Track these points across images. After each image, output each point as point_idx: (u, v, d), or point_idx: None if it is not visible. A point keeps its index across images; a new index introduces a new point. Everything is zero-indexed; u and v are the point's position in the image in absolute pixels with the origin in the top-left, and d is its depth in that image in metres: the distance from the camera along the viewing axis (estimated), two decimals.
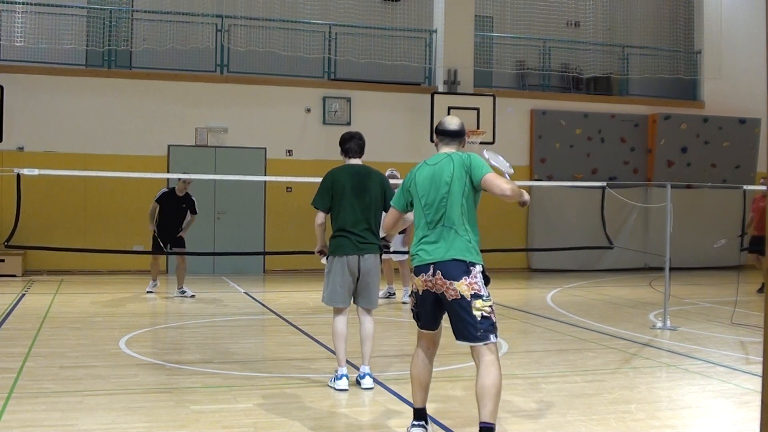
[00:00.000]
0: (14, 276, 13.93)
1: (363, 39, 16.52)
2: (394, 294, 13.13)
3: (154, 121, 15.40)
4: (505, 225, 16.70)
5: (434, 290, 4.44)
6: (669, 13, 18.58)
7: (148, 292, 12.09)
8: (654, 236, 16.26)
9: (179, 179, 11.84)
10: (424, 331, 4.67)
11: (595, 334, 8.94)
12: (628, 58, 18.27)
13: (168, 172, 15.14)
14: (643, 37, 18.12)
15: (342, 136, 6.42)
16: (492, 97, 16.38)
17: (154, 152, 15.26)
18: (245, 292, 12.67)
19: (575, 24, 17.91)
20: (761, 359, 3.01)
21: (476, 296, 4.37)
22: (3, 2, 14.77)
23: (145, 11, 15.66)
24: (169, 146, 15.46)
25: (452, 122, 4.78)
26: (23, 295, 11.68)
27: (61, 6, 15.02)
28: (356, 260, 6.01)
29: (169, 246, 11.81)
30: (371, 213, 6.11)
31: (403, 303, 11.35)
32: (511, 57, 17.74)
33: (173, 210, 11.78)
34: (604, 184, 11.21)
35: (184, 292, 11.85)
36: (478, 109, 16.17)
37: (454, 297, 4.36)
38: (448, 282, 4.37)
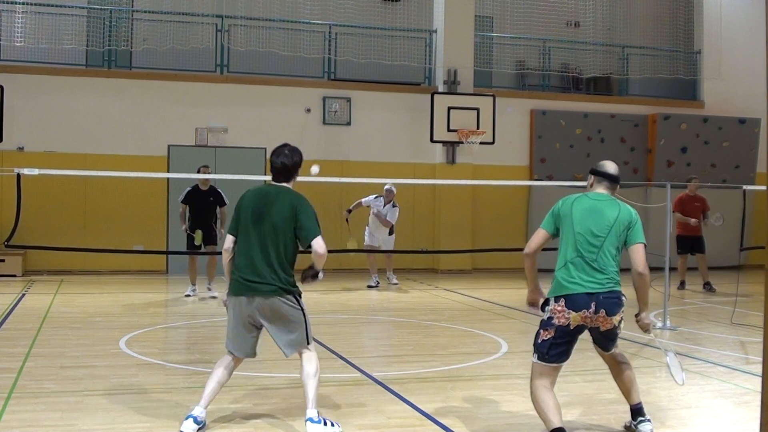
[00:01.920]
0: (14, 276, 13.92)
1: (363, 39, 16.52)
2: (378, 284, 13.29)
3: (154, 121, 15.39)
4: (505, 225, 16.70)
5: (588, 324, 4.65)
6: (669, 13, 18.57)
7: (186, 295, 11.77)
8: (654, 236, 16.19)
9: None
10: (555, 365, 4.70)
11: None
12: (627, 58, 18.27)
13: (168, 172, 15.15)
14: (643, 37, 18.12)
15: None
16: (492, 97, 16.38)
17: (154, 152, 15.26)
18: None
19: (575, 24, 17.91)
20: (761, 359, 3.01)
21: (620, 322, 4.77)
22: (3, 2, 14.77)
23: (145, 11, 15.66)
24: (169, 146, 15.45)
25: (611, 167, 4.98)
26: (23, 295, 11.68)
27: (61, 6, 15.02)
28: (246, 303, 4.92)
29: (202, 246, 11.61)
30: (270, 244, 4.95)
31: (394, 284, 13.30)
32: (511, 57, 17.74)
33: (202, 206, 11.68)
34: None
35: (209, 290, 11.73)
36: (478, 109, 16.18)
37: (608, 328, 4.71)
38: (609, 318, 4.63)
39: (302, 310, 4.97)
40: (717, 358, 7.54)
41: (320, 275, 5.03)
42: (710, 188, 14.13)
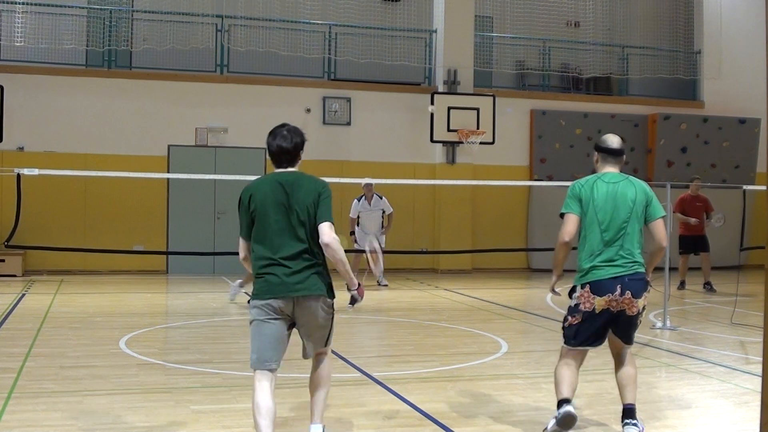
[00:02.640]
0: (14, 276, 13.92)
1: (363, 39, 16.52)
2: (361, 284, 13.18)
3: (154, 121, 15.39)
4: (505, 225, 16.71)
5: (614, 308, 4.69)
6: (669, 13, 18.57)
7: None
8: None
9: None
10: (581, 349, 4.84)
11: None
12: (627, 58, 18.27)
13: (168, 172, 15.16)
14: (643, 37, 18.11)
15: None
16: (492, 97, 16.38)
17: (154, 152, 15.26)
18: (245, 292, 12.65)
19: (575, 24, 17.91)
20: (761, 359, 3.01)
21: (644, 307, 4.80)
22: (3, 2, 14.77)
23: (145, 11, 15.66)
24: (169, 146, 15.45)
25: (614, 140, 4.94)
26: (23, 295, 11.68)
27: (61, 6, 15.02)
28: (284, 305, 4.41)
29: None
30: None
31: (384, 285, 13.10)
32: (511, 57, 17.74)
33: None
34: None
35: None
36: (478, 109, 16.18)
37: (634, 313, 4.72)
38: (634, 300, 4.66)
39: (333, 312, 4.51)
40: (717, 358, 7.54)
41: (354, 292, 4.54)
42: (710, 188, 14.13)
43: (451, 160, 16.57)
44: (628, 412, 4.77)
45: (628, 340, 4.87)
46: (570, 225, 4.84)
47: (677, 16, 18.56)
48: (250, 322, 4.55)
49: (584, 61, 17.86)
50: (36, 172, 8.71)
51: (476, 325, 9.55)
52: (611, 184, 4.81)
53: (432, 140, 16.13)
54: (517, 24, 17.17)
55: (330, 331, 4.55)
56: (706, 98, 18.55)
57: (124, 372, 6.60)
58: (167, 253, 15.37)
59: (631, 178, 4.90)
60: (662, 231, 4.79)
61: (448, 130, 16.08)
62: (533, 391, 6.17)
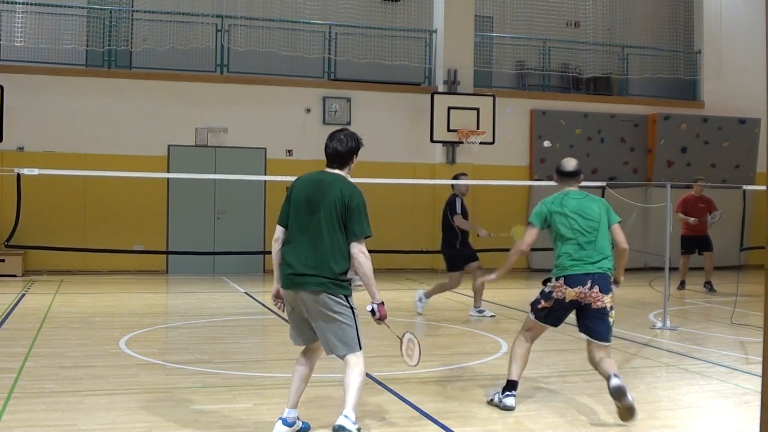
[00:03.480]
0: (14, 276, 13.92)
1: (363, 39, 16.52)
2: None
3: (154, 121, 15.39)
4: (504, 225, 16.66)
5: (582, 300, 5.38)
6: (669, 13, 18.58)
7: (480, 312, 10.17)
8: (654, 236, 16.25)
9: (459, 181, 10.49)
10: (546, 326, 5.62)
11: None
12: (627, 58, 18.27)
13: (168, 172, 15.16)
14: (643, 37, 18.12)
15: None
16: (492, 97, 16.38)
17: (154, 152, 15.26)
18: (245, 292, 12.67)
19: (575, 24, 17.91)
20: (761, 359, 3.01)
21: (612, 308, 5.45)
22: (3, 2, 14.77)
23: (145, 11, 15.66)
24: (169, 146, 15.46)
25: (570, 164, 5.78)
26: (23, 295, 11.68)
27: (61, 6, 15.02)
28: (293, 298, 4.67)
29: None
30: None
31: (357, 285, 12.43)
32: (511, 57, 17.74)
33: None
34: (604, 184, 11.23)
35: (481, 311, 10.17)
36: (478, 109, 16.18)
37: (599, 306, 5.37)
38: (600, 295, 5.36)
39: (352, 308, 4.65)
40: (717, 358, 7.54)
41: (374, 306, 4.70)
42: (710, 188, 14.13)
43: (451, 160, 16.57)
44: (512, 386, 5.55)
45: (595, 334, 5.41)
46: (531, 237, 5.62)
47: (677, 16, 18.56)
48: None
49: (584, 61, 17.86)
50: (36, 172, 8.70)
51: (476, 325, 9.55)
52: (577, 199, 5.62)
53: (432, 140, 16.13)
54: (517, 24, 17.18)
55: (334, 332, 4.63)
56: (706, 98, 18.55)
57: (124, 372, 6.60)
58: (167, 253, 15.38)
59: (589, 194, 5.73)
60: (621, 234, 5.62)
61: (448, 130, 16.08)
62: (533, 391, 6.16)
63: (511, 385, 5.51)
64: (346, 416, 4.47)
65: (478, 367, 7.12)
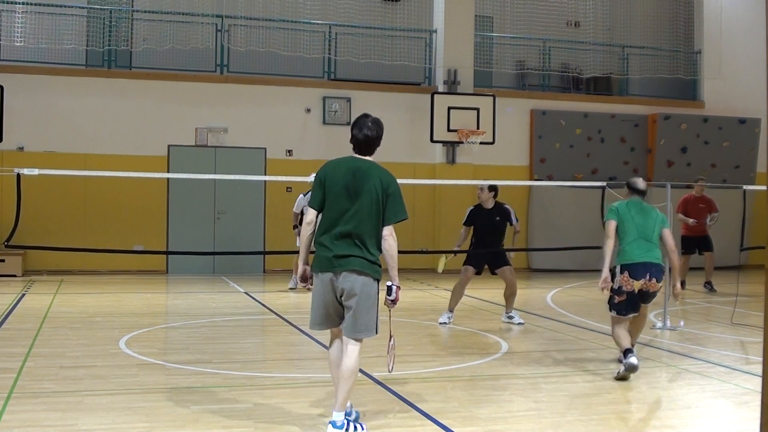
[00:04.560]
0: (14, 276, 13.92)
1: (363, 39, 16.52)
2: (297, 286, 13.05)
3: (154, 121, 15.39)
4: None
5: (646, 289, 6.72)
6: (669, 13, 18.57)
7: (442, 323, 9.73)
8: None
9: (479, 188, 9.72)
10: (629, 317, 6.86)
11: (595, 334, 8.94)
12: (627, 58, 18.27)
13: (168, 172, 15.16)
14: (643, 37, 18.11)
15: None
16: (492, 97, 16.38)
17: (154, 152, 15.25)
18: (245, 292, 12.67)
19: (575, 24, 17.91)
20: (761, 359, 3.01)
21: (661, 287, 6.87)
22: (3, 2, 14.77)
23: (145, 11, 15.66)
24: (169, 146, 15.45)
25: (641, 183, 7.17)
26: (23, 295, 11.68)
27: (61, 6, 15.02)
28: (333, 279, 4.81)
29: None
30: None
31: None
32: (511, 57, 17.73)
33: (487, 227, 9.56)
34: (604, 184, 11.21)
35: (511, 317, 9.79)
36: (478, 109, 16.18)
37: (655, 290, 6.80)
38: (657, 284, 6.74)
39: (377, 294, 4.84)
40: (717, 358, 7.54)
41: (393, 292, 4.84)
42: (710, 188, 14.13)
43: (451, 160, 16.57)
44: (628, 351, 6.51)
45: (648, 302, 6.93)
46: (610, 228, 6.88)
47: (677, 16, 18.56)
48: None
49: (584, 61, 17.86)
50: (36, 172, 8.69)
51: (476, 325, 9.55)
52: (638, 204, 7.01)
53: (432, 140, 16.13)
54: (517, 24, 17.17)
55: (366, 314, 4.80)
56: (706, 98, 18.55)
57: (124, 372, 6.60)
58: (167, 253, 15.38)
59: (651, 206, 7.08)
60: (670, 238, 7.00)
61: (448, 130, 16.08)
62: (533, 391, 6.17)
63: (628, 351, 6.44)
64: (332, 423, 4.71)
65: (478, 367, 7.12)
